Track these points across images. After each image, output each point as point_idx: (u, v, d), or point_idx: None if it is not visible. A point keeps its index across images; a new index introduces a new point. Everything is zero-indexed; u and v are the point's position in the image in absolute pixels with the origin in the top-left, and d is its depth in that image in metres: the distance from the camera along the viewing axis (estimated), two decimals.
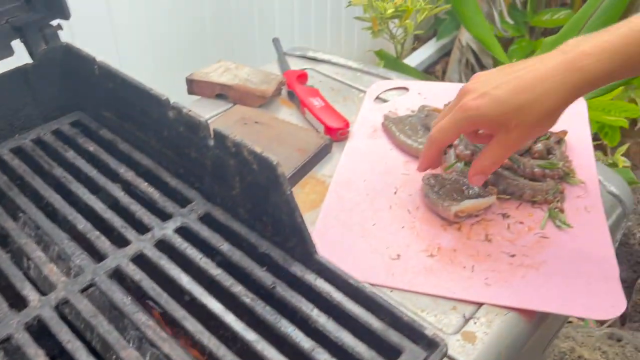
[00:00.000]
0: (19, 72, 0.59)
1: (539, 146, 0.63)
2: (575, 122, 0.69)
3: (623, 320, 1.33)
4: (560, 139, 0.65)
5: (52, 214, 0.51)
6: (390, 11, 0.93)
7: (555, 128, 0.67)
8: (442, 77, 2.06)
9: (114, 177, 0.55)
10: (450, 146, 0.65)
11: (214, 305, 0.42)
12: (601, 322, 1.29)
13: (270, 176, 0.44)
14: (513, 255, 0.54)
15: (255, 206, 0.48)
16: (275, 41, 0.89)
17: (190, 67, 0.81)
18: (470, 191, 0.58)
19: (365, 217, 0.59)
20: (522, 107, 0.48)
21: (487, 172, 0.54)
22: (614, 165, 1.58)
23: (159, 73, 1.15)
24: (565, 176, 0.61)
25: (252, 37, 1.34)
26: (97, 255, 0.47)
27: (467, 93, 0.51)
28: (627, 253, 1.38)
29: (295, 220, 0.44)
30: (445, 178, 0.60)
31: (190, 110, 0.49)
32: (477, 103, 0.49)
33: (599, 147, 1.67)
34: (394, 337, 0.39)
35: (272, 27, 1.39)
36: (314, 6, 1.51)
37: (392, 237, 0.56)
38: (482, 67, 1.81)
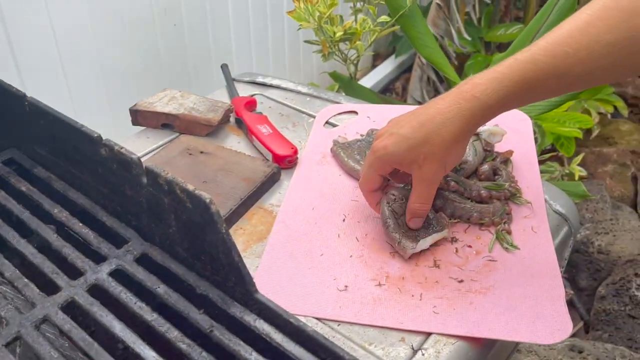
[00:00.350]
0: None
1: (485, 167, 0.63)
2: (520, 142, 0.69)
3: (587, 328, 1.34)
4: (506, 159, 0.66)
5: None
6: (339, 34, 0.93)
7: (502, 148, 0.67)
8: (402, 94, 2.08)
9: (48, 218, 0.52)
10: None
11: (148, 354, 0.40)
12: None
13: (205, 214, 0.42)
14: (461, 281, 0.53)
15: (192, 245, 0.46)
16: (224, 67, 0.88)
17: (145, 96, 0.79)
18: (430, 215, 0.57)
19: (313, 247, 0.58)
20: (425, 139, 0.51)
21: (421, 214, 0.56)
22: (570, 175, 1.61)
23: (112, 103, 1.12)
24: (512, 197, 0.61)
25: (208, 63, 1.32)
26: (28, 304, 0.45)
27: (377, 137, 0.56)
28: (587, 261, 1.40)
29: (233, 259, 0.43)
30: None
31: (122, 148, 0.47)
32: (384, 143, 0.53)
33: (555, 158, 1.71)
34: None
35: (228, 52, 1.38)
36: (271, 30, 1.51)
37: (339, 267, 0.55)
38: (443, 83, 1.83)
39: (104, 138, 0.49)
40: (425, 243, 0.56)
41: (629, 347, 1.16)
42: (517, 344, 0.63)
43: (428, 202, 0.55)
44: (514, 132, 0.70)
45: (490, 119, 0.52)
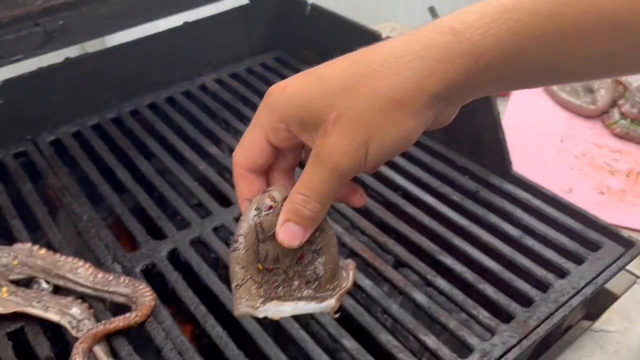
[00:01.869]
0: (241, 10, 0.69)
1: None
2: None
3: None
4: None
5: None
6: None
7: None
8: None
9: None
10: (614, 105, 0.69)
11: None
12: None
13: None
14: None
15: (453, 127, 0.55)
16: (431, 10, 0.96)
17: None
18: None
19: (534, 157, 0.65)
20: (347, 86, 0.27)
21: (304, 217, 0.29)
22: None
23: None
24: None
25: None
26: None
27: None
28: None
29: (498, 138, 0.51)
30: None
31: None
32: (284, 84, 0.30)
33: None
34: (593, 234, 0.45)
35: None
36: None
37: (562, 176, 0.62)
38: None
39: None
40: (277, 309, 0.31)
41: None
42: None
43: (321, 198, 0.29)
44: None
45: (477, 84, 0.25)
